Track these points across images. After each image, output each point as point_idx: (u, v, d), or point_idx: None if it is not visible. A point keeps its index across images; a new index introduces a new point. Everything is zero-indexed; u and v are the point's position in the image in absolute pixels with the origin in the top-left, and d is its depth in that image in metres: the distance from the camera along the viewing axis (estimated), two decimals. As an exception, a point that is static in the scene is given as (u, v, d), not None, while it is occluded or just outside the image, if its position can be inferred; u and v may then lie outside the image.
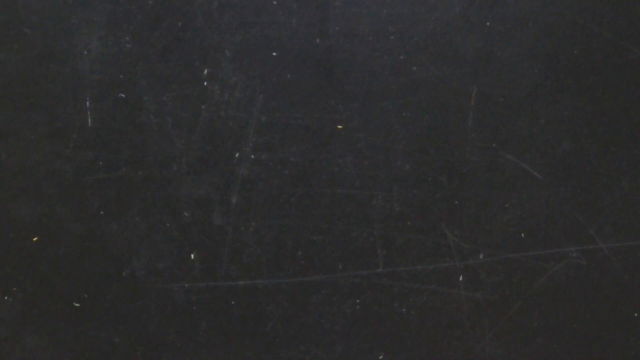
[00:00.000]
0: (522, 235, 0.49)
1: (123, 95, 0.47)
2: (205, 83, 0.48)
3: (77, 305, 0.46)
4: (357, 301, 0.49)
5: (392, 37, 0.48)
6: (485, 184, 0.48)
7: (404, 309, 0.50)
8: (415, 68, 0.48)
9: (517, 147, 0.48)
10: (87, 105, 0.47)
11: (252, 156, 0.48)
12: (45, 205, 0.47)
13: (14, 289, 0.48)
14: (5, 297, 0.48)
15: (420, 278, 0.49)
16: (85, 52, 0.47)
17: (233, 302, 0.50)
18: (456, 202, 0.49)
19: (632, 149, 0.48)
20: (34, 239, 0.47)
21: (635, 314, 0.49)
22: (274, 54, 0.48)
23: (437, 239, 0.49)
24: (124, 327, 0.49)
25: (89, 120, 0.47)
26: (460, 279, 0.49)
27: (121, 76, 0.47)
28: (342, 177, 0.48)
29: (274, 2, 0.47)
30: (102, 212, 0.48)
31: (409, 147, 0.48)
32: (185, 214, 0.49)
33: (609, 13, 0.48)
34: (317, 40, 0.47)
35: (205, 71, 0.47)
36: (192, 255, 0.49)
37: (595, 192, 0.49)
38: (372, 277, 0.49)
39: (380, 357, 0.50)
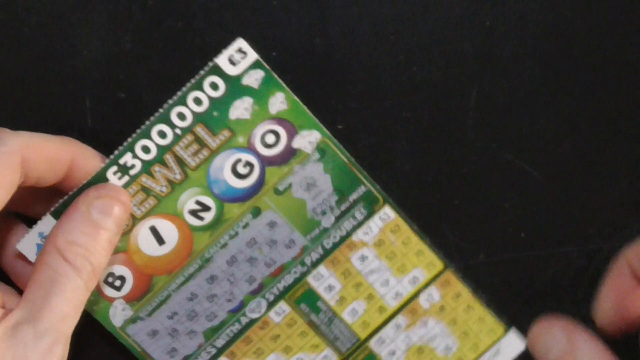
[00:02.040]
0: (522, 235, 0.49)
1: (123, 95, 0.47)
2: (205, 83, 0.48)
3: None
4: (357, 301, 0.50)
5: (392, 37, 0.48)
6: (485, 184, 0.48)
7: (404, 309, 0.50)
8: (415, 68, 0.48)
9: (517, 147, 0.48)
10: (87, 105, 0.47)
11: (252, 156, 0.48)
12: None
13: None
14: (5, 297, 0.48)
15: (420, 278, 0.49)
16: (85, 52, 0.47)
17: (233, 302, 0.50)
18: (456, 202, 0.49)
19: (632, 149, 0.48)
20: (34, 239, 0.47)
21: (635, 314, 0.50)
22: (274, 54, 0.48)
23: (437, 239, 0.49)
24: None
25: (89, 120, 0.47)
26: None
27: (121, 76, 0.47)
28: (342, 177, 0.49)
29: (274, 2, 0.47)
30: (102, 212, 0.48)
31: (409, 147, 0.48)
32: (185, 214, 0.49)
33: (609, 13, 0.48)
34: (317, 40, 0.47)
35: (205, 71, 0.47)
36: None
37: (595, 192, 0.49)
38: (372, 277, 0.49)
39: (380, 357, 0.50)
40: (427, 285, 0.48)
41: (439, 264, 0.48)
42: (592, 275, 0.49)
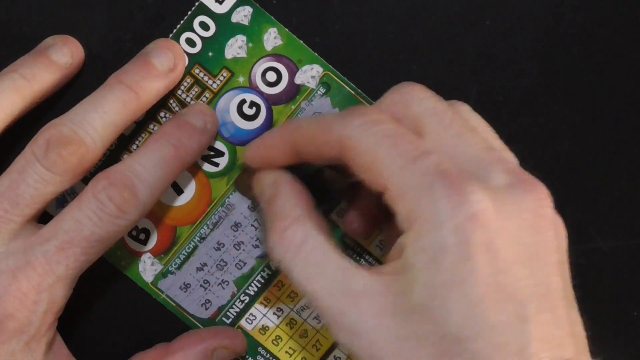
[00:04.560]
0: (522, 234, 0.49)
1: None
2: (205, 83, 0.48)
3: (77, 305, 0.46)
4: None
5: (391, 35, 0.48)
6: (485, 184, 0.48)
7: (403, 308, 0.50)
8: (414, 67, 0.48)
9: (517, 147, 0.48)
10: (87, 105, 0.47)
11: (252, 156, 0.48)
12: (46, 205, 0.47)
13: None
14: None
15: (420, 277, 0.49)
16: (85, 52, 0.47)
17: (233, 301, 0.50)
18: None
19: (632, 149, 0.48)
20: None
21: (635, 313, 0.50)
22: (274, 53, 0.48)
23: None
24: (124, 327, 0.49)
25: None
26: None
27: (121, 76, 0.47)
28: (342, 177, 0.48)
29: (274, 2, 0.47)
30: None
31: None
32: (185, 213, 0.49)
33: (609, 13, 0.48)
34: (317, 40, 0.47)
35: (205, 71, 0.47)
36: (192, 255, 0.49)
37: (595, 192, 0.49)
38: (372, 276, 0.49)
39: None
40: None
41: None
42: (592, 275, 0.49)
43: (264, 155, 0.42)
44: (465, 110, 0.40)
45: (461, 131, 0.37)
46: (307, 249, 0.37)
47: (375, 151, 0.36)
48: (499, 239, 0.33)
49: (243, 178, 0.46)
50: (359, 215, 0.45)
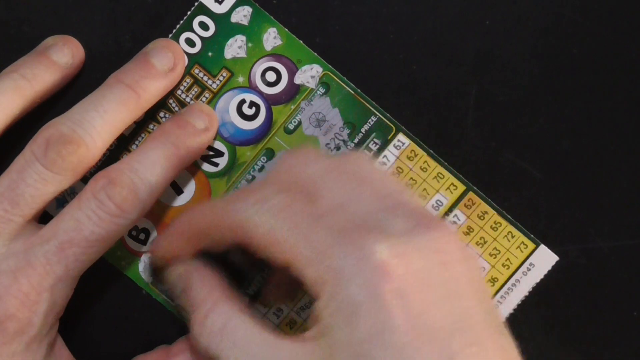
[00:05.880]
0: (522, 234, 0.49)
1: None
2: (205, 83, 0.48)
3: (77, 305, 0.46)
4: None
5: (391, 35, 0.48)
6: (485, 183, 0.48)
7: (403, 308, 0.49)
8: (415, 67, 0.48)
9: (517, 146, 0.48)
10: (87, 105, 0.47)
11: (252, 156, 0.48)
12: (46, 205, 0.47)
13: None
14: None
15: (420, 277, 0.49)
16: (85, 52, 0.47)
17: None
18: (456, 201, 0.49)
19: (632, 149, 0.48)
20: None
21: (635, 313, 0.50)
22: (274, 53, 0.48)
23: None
24: (124, 327, 0.49)
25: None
26: (460, 278, 0.49)
27: (121, 76, 0.47)
28: (342, 177, 0.48)
29: (274, 2, 0.47)
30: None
31: (408, 147, 0.48)
32: (185, 213, 0.49)
33: (609, 13, 0.48)
34: (317, 40, 0.47)
35: (205, 71, 0.48)
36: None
37: (595, 192, 0.49)
38: (372, 276, 0.49)
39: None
40: (451, 208, 0.48)
41: (460, 186, 0.47)
42: (592, 275, 0.49)
43: (169, 249, 0.43)
44: (357, 161, 0.39)
45: (353, 186, 0.37)
46: (229, 332, 0.38)
47: (273, 227, 0.36)
48: (408, 283, 0.33)
49: (156, 273, 0.47)
50: (276, 286, 0.47)
